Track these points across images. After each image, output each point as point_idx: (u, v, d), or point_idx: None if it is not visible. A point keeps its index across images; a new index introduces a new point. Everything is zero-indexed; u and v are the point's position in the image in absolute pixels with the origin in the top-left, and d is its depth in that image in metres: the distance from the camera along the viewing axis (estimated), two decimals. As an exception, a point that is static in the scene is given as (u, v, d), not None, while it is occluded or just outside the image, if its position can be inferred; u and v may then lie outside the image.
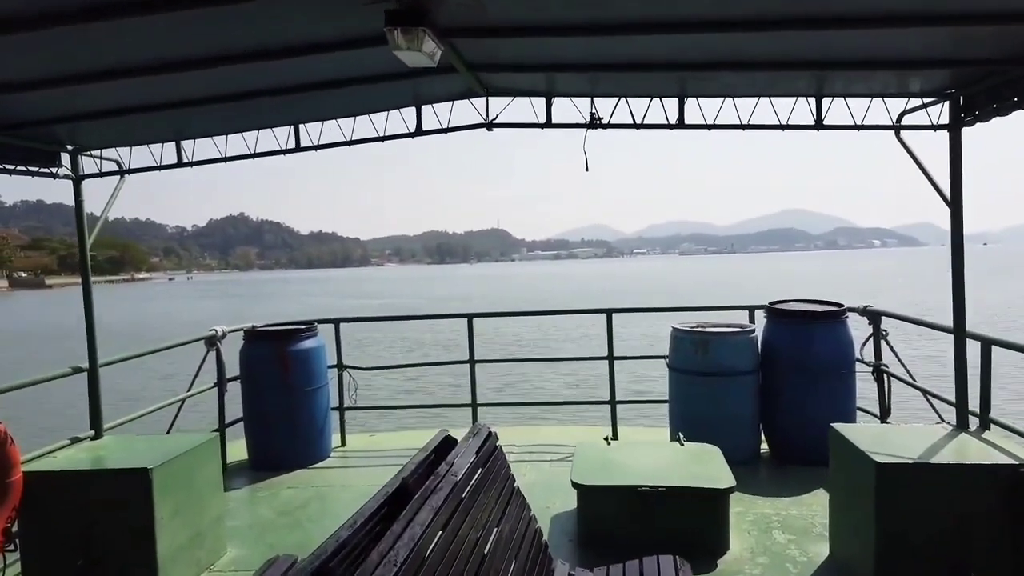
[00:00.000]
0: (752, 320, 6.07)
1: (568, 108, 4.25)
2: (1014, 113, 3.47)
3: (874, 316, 5.51)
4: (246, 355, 5.87)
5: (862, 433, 3.68)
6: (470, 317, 6.39)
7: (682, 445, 4.62)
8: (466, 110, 4.38)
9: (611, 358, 6.30)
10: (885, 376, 5.41)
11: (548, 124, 4.18)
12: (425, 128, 4.27)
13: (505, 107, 4.21)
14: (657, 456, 4.46)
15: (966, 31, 3.06)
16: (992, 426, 3.94)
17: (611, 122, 4.13)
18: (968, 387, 3.86)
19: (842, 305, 5.61)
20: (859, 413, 5.62)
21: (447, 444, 2.78)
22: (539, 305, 52.02)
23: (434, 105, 4.28)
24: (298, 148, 4.34)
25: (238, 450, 5.97)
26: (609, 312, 6.33)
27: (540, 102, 4.21)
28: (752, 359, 5.57)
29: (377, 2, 2.44)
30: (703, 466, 4.26)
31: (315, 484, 5.39)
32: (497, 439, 2.89)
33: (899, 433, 3.73)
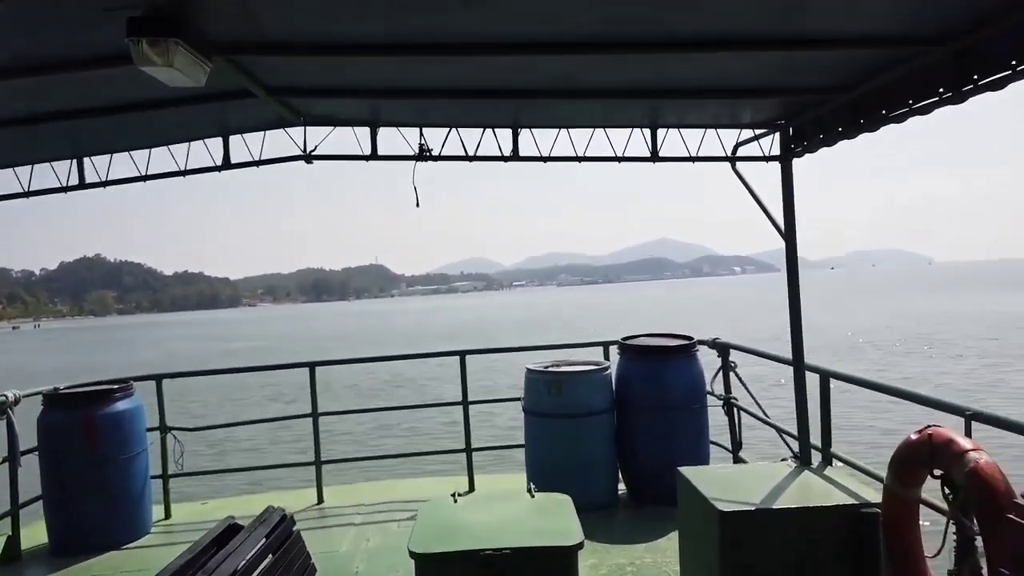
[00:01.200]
0: (607, 357, 5.94)
1: (396, 139, 3.94)
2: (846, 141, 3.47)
3: (722, 349, 5.50)
4: (44, 423, 5.08)
5: (707, 477, 3.53)
6: (312, 366, 5.89)
7: (532, 496, 4.33)
8: (283, 141, 3.99)
9: (465, 403, 5.97)
10: (735, 410, 5.38)
11: (373, 156, 3.85)
12: (235, 160, 3.83)
13: (325, 137, 3.84)
14: (506, 511, 4.14)
15: (793, 58, 3.00)
16: (834, 461, 3.90)
17: (442, 154, 3.85)
18: (811, 420, 3.82)
19: (692, 338, 5.57)
20: (713, 447, 5.57)
21: (231, 532, 2.34)
22: (417, 340, 51.33)
23: (245, 135, 3.85)
24: (82, 185, 3.77)
25: (37, 534, 5.15)
26: (462, 354, 6.02)
27: (365, 132, 3.88)
28: (607, 398, 5.40)
29: (117, 9, 2.03)
30: (552, 520, 3.97)
31: (126, 569, 4.69)
32: (294, 523, 2.48)
33: (744, 474, 3.61)
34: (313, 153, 3.82)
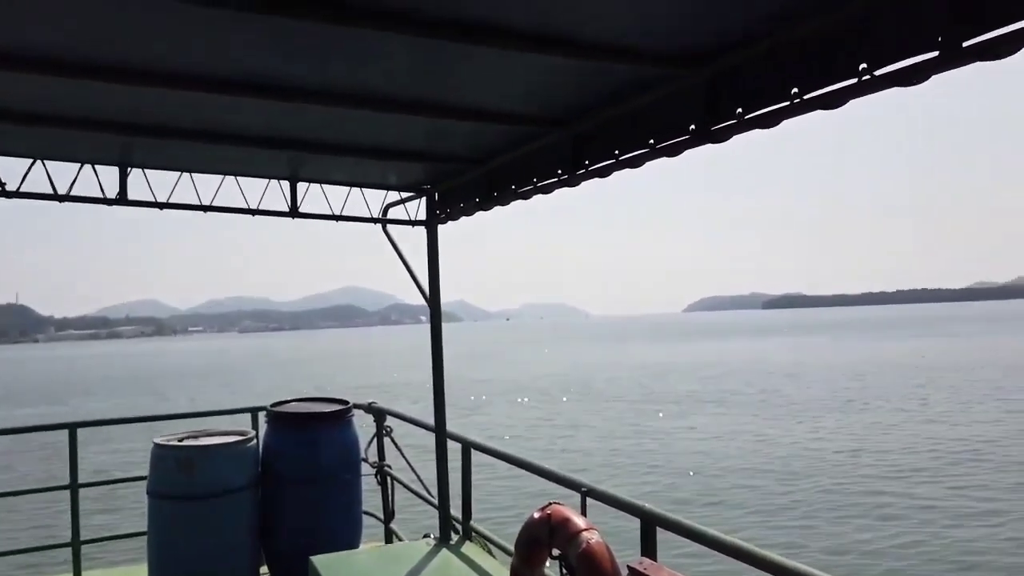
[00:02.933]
0: (255, 425, 5.37)
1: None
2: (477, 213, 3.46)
3: (378, 414, 5.27)
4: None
5: (339, 565, 3.21)
6: (72, 427, 4.53)
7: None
8: None
9: (74, 486, 4.94)
10: (388, 478, 5.16)
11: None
12: None
13: None
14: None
15: (438, 125, 2.90)
16: (474, 535, 3.84)
17: (21, 190, 3.09)
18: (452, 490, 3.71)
19: (348, 403, 5.26)
20: (366, 518, 5.28)
21: None
22: (57, 395, 43.89)
23: None
24: None
25: None
26: (72, 427, 5.00)
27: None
28: (250, 473, 4.82)
29: None
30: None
31: None
32: None
33: (379, 558, 3.36)
34: None
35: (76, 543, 4.91)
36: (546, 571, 2.84)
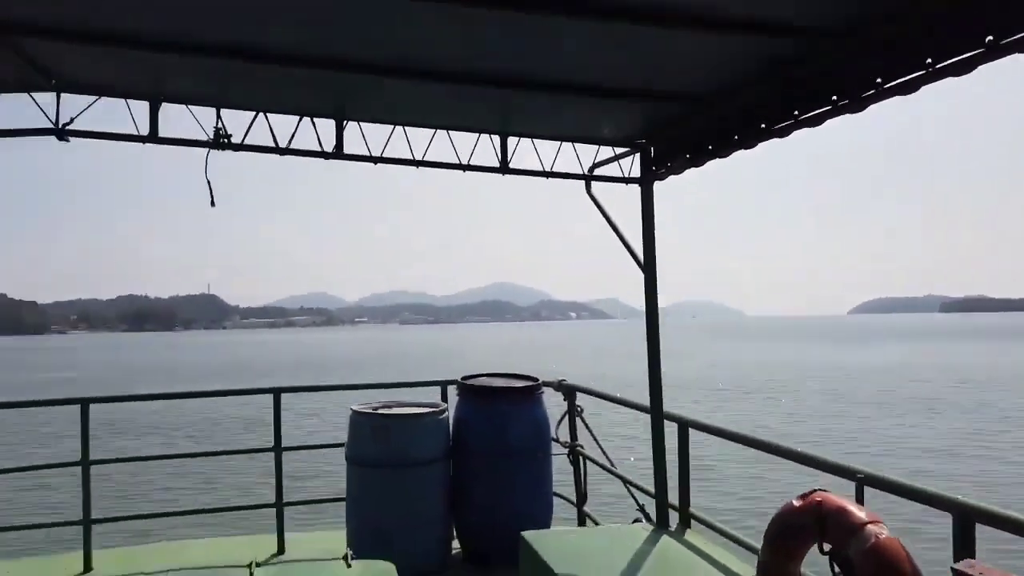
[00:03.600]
0: (445, 398, 5.30)
1: (187, 119, 3.15)
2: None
3: (569, 391, 5.03)
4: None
5: (554, 544, 2.97)
6: (84, 402, 4.78)
7: (348, 565, 3.57)
8: (27, 110, 3.04)
9: (278, 449, 5.08)
10: (581, 459, 4.90)
11: (152, 138, 3.02)
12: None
13: (87, 107, 2.96)
14: (313, 587, 3.36)
15: (662, 43, 2.51)
16: (693, 523, 3.47)
17: (245, 143, 3.09)
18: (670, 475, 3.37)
19: (537, 379, 5.06)
20: (556, 500, 5.05)
21: None
22: (246, 375, 47.71)
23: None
24: None
25: None
26: (277, 392, 5.14)
27: (144, 108, 3.04)
28: (442, 444, 4.75)
29: None
30: (367, 598, 3.25)
31: None
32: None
33: (594, 540, 3.09)
34: (68, 127, 2.92)
35: (280, 504, 5.05)
36: (802, 570, 2.43)
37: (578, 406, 4.98)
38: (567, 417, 5.02)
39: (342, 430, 4.89)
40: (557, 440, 4.97)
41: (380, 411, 4.78)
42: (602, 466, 4.73)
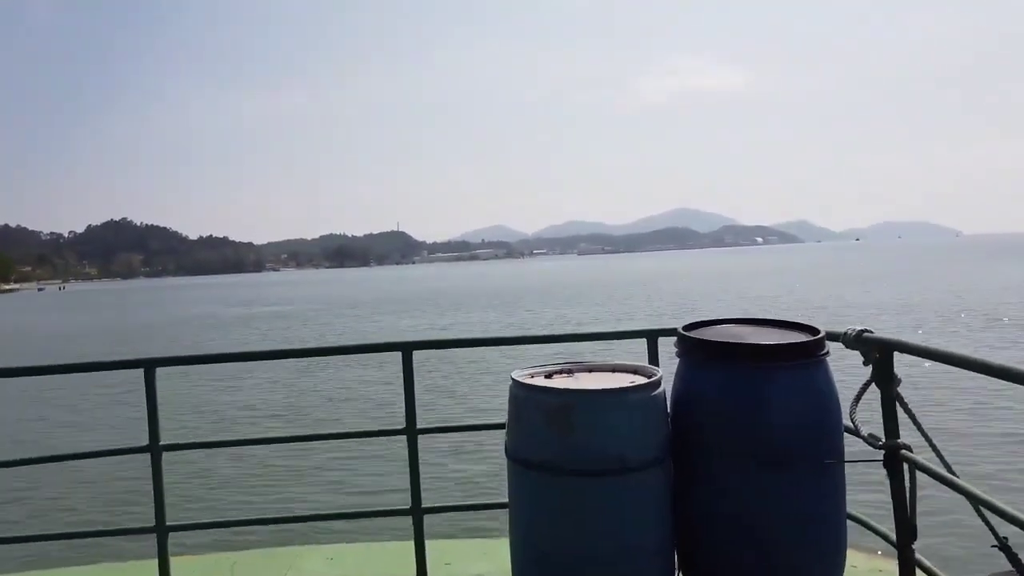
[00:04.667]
0: (654, 358, 3.44)
1: None
2: None
3: (882, 350, 2.92)
4: None
5: None
6: (149, 365, 3.44)
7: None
8: None
9: (412, 432, 3.50)
10: (907, 466, 2.83)
11: None
12: None
13: None
14: None
15: None
16: None
17: None
18: None
19: (817, 330, 3.01)
20: (852, 527, 3.06)
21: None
22: (439, 303, 48.48)
23: None
24: None
25: None
26: (406, 348, 3.53)
27: None
28: (658, 437, 2.89)
29: None
30: None
31: None
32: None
33: None
34: None
35: (416, 508, 3.50)
36: None
37: (896, 377, 2.89)
38: (878, 396, 2.94)
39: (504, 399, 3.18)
40: (857, 432, 2.93)
41: (556, 382, 3.00)
42: (940, 477, 2.65)
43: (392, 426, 3.69)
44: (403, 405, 3.48)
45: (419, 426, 3.49)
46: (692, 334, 3.09)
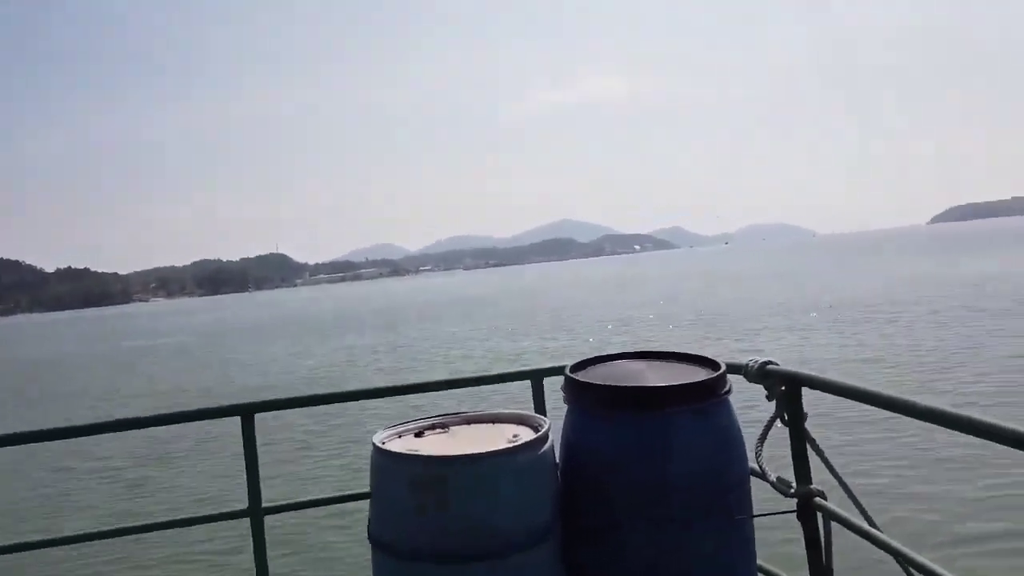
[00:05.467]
0: (540, 402, 3.04)
1: None
2: None
3: (788, 383, 2.64)
4: None
5: None
6: (247, 412, 2.73)
7: None
8: None
9: (256, 512, 2.93)
10: (821, 515, 2.54)
11: None
12: None
13: None
14: None
15: None
16: None
17: None
18: None
19: (717, 364, 2.69)
20: (765, 580, 2.76)
21: None
22: (327, 329, 46.15)
23: None
24: None
25: None
26: (248, 411, 2.96)
27: None
28: (548, 502, 2.49)
29: None
30: None
31: None
32: None
33: None
34: None
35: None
36: None
37: (804, 412, 2.61)
38: (786, 434, 2.65)
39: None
40: (764, 476, 2.63)
41: (428, 442, 2.54)
42: (858, 529, 2.37)
43: (232, 506, 3.09)
44: (245, 480, 2.90)
45: (265, 504, 2.92)
46: (580, 376, 2.71)
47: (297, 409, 3.56)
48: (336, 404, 3.46)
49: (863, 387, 2.26)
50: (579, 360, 2.84)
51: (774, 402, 2.68)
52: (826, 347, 19.90)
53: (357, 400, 3.55)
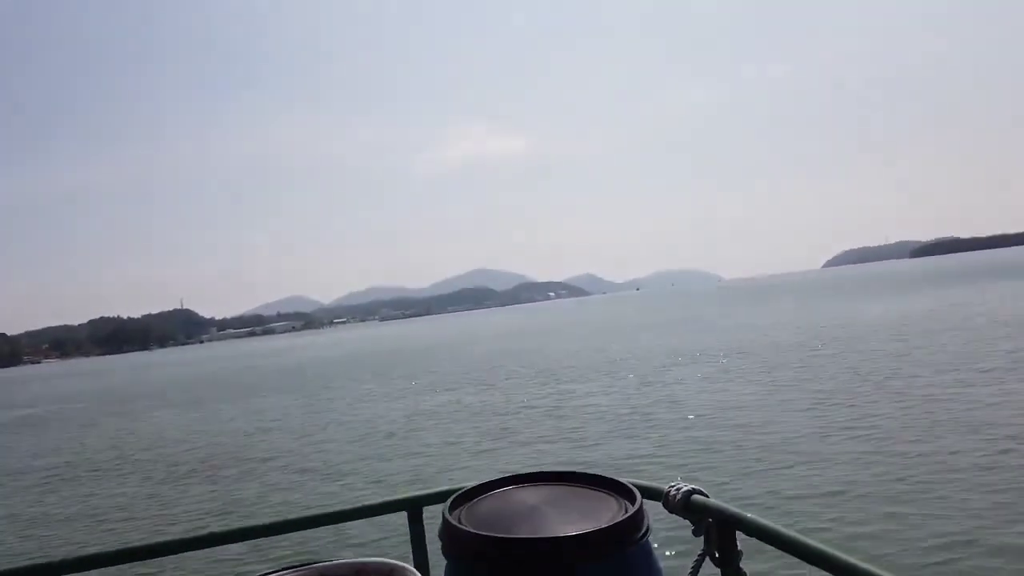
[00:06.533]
0: (418, 539, 2.42)
1: None
2: None
3: (716, 519, 2.12)
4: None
5: None
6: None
7: None
8: None
9: None
10: None
11: None
12: None
13: None
14: None
15: None
16: None
17: None
18: None
19: (632, 494, 2.14)
20: None
21: None
22: (232, 387, 43.27)
23: None
24: None
25: None
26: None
27: None
28: None
29: None
30: None
31: None
32: None
33: None
34: None
35: None
36: None
37: (739, 550, 2.10)
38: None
39: None
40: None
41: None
42: None
43: None
44: None
45: None
46: (458, 517, 2.10)
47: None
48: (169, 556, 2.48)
49: (801, 539, 1.78)
50: (460, 491, 2.24)
51: (701, 537, 2.15)
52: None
53: (203, 548, 2.72)
